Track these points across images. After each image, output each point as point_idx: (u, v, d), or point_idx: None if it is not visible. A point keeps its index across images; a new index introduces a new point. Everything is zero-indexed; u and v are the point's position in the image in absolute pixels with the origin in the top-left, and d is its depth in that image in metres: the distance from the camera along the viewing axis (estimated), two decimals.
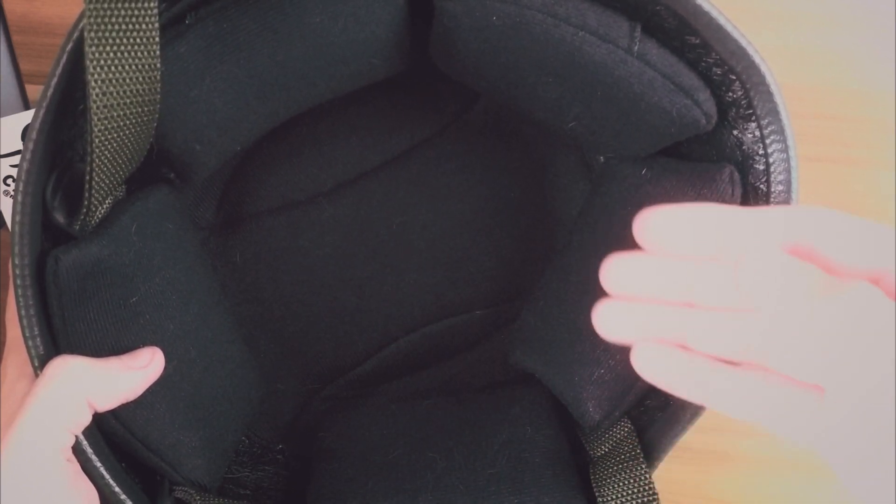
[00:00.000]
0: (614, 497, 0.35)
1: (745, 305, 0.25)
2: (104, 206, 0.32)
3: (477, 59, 0.34)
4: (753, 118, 0.32)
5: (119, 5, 0.26)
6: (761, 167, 0.33)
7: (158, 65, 0.29)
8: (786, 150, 0.33)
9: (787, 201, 0.33)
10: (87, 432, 0.31)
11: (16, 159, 0.42)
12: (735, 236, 0.25)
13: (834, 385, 0.23)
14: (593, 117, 0.34)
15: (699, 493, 0.47)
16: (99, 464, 0.31)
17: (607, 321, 0.27)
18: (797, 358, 0.24)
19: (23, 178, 0.30)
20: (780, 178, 0.33)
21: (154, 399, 0.32)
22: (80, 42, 0.29)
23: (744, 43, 0.31)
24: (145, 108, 0.29)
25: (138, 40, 0.28)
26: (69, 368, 0.30)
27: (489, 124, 0.45)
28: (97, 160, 0.29)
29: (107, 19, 0.26)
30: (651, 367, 0.26)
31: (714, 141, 0.35)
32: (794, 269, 0.24)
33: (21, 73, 0.44)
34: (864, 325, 0.23)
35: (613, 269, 0.26)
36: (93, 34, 0.26)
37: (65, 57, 0.30)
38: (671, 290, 0.26)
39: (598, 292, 0.35)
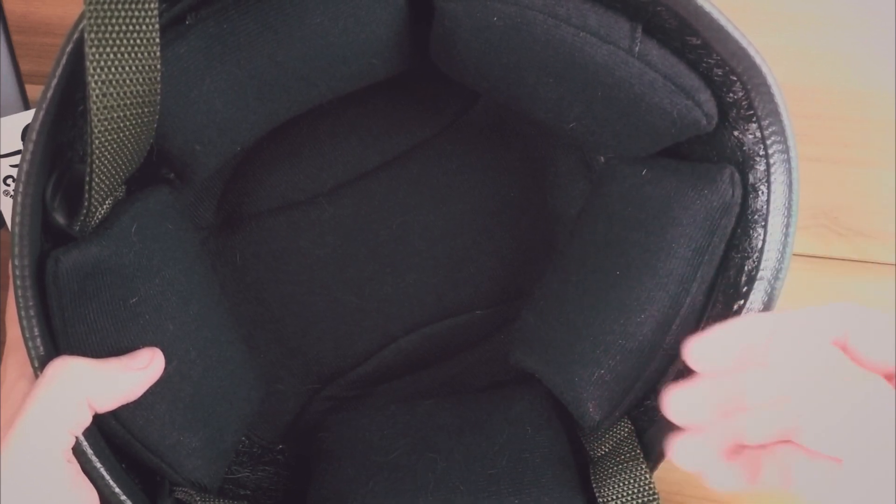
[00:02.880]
0: (615, 497, 0.35)
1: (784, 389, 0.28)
2: (104, 207, 0.32)
3: (477, 59, 0.34)
4: (754, 119, 0.32)
5: (119, 6, 0.26)
6: (762, 168, 0.33)
7: (159, 66, 0.29)
8: (786, 150, 0.33)
9: (787, 205, 0.33)
10: (87, 433, 0.31)
11: (16, 159, 0.42)
12: (783, 341, 0.28)
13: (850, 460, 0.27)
14: (594, 118, 0.34)
15: (699, 493, 0.47)
16: (99, 464, 0.31)
17: (685, 457, 0.29)
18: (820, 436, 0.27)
19: (23, 178, 0.30)
20: (781, 178, 0.33)
21: (154, 400, 0.32)
22: (80, 43, 0.29)
23: (745, 44, 0.31)
24: (145, 109, 0.29)
25: (138, 41, 0.28)
26: (69, 369, 0.30)
27: (489, 124, 0.45)
28: (97, 161, 0.29)
29: (107, 20, 0.26)
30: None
31: (714, 142, 0.35)
32: (828, 355, 0.28)
33: (21, 73, 0.44)
34: (871, 413, 0.26)
35: (675, 404, 0.29)
36: (93, 35, 0.26)
37: (65, 58, 0.30)
38: (729, 405, 0.28)
39: (599, 293, 0.36)
